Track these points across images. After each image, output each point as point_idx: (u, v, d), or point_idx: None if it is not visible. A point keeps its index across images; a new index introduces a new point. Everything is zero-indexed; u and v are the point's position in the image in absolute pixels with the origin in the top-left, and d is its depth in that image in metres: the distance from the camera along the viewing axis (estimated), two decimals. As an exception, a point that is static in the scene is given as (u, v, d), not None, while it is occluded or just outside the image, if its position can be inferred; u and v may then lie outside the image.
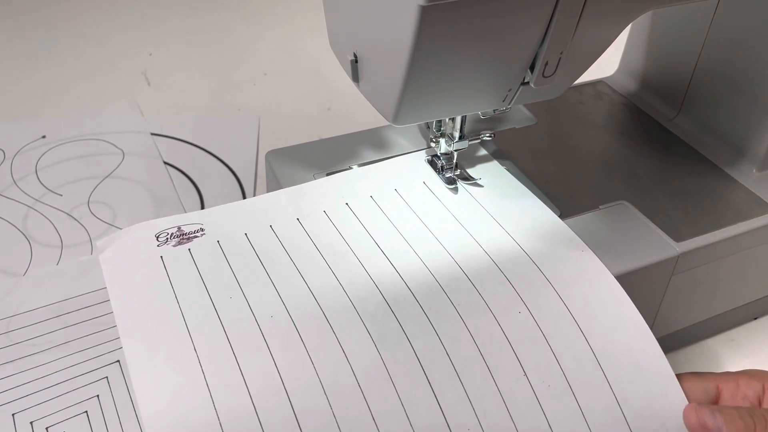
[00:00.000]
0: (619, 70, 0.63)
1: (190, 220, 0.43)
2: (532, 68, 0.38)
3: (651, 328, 0.38)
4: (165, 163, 0.68)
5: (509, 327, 0.37)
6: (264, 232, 0.43)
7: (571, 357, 0.37)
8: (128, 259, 0.41)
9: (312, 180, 0.48)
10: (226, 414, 0.33)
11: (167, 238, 0.42)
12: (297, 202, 0.45)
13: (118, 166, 0.67)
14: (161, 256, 0.41)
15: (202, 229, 0.43)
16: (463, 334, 0.37)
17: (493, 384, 0.35)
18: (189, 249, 0.41)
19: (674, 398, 0.36)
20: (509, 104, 0.41)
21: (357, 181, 0.47)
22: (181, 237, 0.42)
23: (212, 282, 0.39)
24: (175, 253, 0.41)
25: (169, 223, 0.43)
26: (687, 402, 0.36)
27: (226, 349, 0.36)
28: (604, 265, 0.41)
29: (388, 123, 0.40)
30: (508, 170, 0.49)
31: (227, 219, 0.44)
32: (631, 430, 0.35)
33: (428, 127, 0.49)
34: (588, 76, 0.45)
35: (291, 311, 0.38)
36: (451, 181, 0.47)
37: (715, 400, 0.37)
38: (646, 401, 0.36)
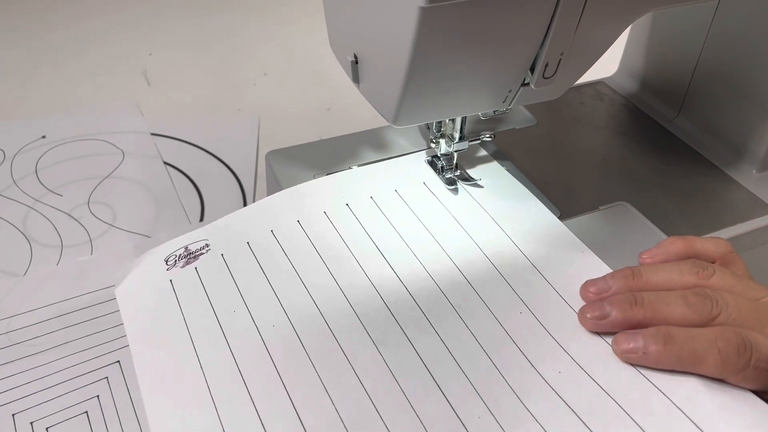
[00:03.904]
0: (619, 70, 0.63)
1: (195, 237, 0.44)
2: (532, 69, 0.38)
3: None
4: (165, 163, 0.68)
5: (511, 326, 0.37)
6: (266, 239, 0.43)
7: (579, 346, 0.36)
8: (141, 291, 0.41)
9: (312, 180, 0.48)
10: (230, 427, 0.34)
11: (176, 261, 0.42)
12: (297, 202, 0.45)
13: (118, 166, 0.67)
14: (171, 280, 0.41)
15: (207, 245, 0.43)
16: (464, 335, 0.37)
17: (500, 377, 0.35)
18: (196, 268, 0.42)
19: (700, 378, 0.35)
20: (509, 105, 0.41)
21: (357, 181, 0.47)
22: (189, 257, 0.42)
23: (217, 298, 0.40)
24: (184, 275, 0.41)
25: (177, 244, 0.43)
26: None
27: (232, 366, 0.36)
28: (604, 263, 0.41)
29: (388, 123, 0.40)
30: (508, 171, 0.49)
31: (230, 230, 0.44)
32: (665, 394, 0.33)
33: (428, 128, 0.49)
34: (588, 76, 0.45)
35: (292, 320, 0.38)
36: (451, 182, 0.47)
37: None
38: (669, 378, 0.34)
